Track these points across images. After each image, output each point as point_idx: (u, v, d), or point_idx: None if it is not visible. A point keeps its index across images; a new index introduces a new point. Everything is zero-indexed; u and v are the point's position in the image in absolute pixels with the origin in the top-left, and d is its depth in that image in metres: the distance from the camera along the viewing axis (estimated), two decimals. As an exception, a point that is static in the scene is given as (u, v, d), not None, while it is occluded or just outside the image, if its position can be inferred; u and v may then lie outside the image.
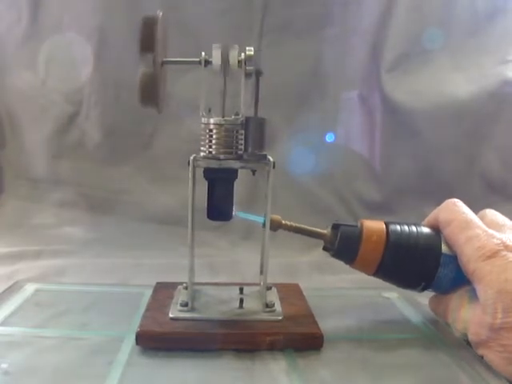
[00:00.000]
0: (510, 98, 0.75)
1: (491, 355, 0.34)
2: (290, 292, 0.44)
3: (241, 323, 0.37)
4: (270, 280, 0.40)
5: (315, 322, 0.38)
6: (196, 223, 0.38)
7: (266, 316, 0.38)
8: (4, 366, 0.32)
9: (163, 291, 0.43)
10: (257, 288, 0.43)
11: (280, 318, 0.38)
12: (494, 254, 0.35)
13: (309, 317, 0.39)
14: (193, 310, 0.39)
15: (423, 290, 0.40)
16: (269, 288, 0.42)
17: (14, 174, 0.80)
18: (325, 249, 0.40)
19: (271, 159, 0.37)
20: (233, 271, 0.58)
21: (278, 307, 0.40)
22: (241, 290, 0.43)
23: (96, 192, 0.76)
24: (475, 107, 0.74)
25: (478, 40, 0.75)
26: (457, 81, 0.75)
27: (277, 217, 0.39)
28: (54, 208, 0.76)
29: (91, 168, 0.77)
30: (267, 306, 0.39)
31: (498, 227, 0.38)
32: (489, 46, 0.76)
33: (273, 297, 0.41)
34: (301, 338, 0.36)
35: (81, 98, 0.77)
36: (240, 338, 0.36)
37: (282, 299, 0.41)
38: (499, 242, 0.35)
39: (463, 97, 0.74)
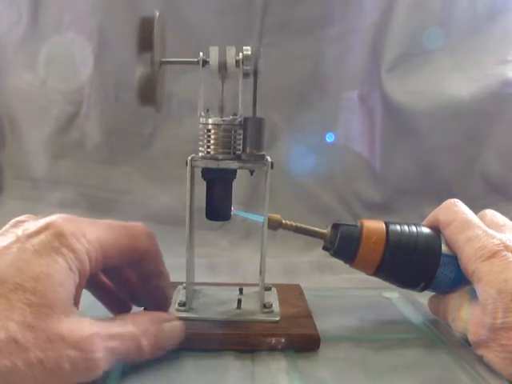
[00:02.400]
0: (510, 98, 0.75)
1: (490, 355, 0.33)
2: (290, 293, 0.43)
3: (238, 324, 0.37)
4: (270, 280, 0.40)
5: (313, 323, 0.38)
6: (196, 223, 0.38)
7: (263, 317, 0.38)
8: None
9: None
10: (256, 288, 0.43)
11: (277, 319, 0.38)
12: (493, 255, 0.34)
13: (307, 318, 0.39)
14: (190, 310, 0.39)
15: (423, 290, 0.40)
16: (268, 289, 0.42)
17: (13, 173, 0.80)
18: (325, 248, 0.40)
19: (269, 159, 0.36)
20: (233, 271, 0.58)
21: (275, 308, 0.39)
22: (240, 291, 0.43)
23: (96, 192, 0.76)
24: (475, 107, 0.74)
25: (478, 40, 0.75)
26: (457, 81, 0.75)
27: (277, 216, 0.39)
28: (54, 208, 0.76)
29: (91, 168, 0.77)
30: (265, 306, 0.39)
31: (498, 227, 0.38)
32: (489, 46, 0.76)
33: (272, 297, 0.41)
34: (297, 340, 0.36)
35: (81, 98, 0.76)
36: (236, 339, 0.36)
37: (281, 300, 0.41)
38: (499, 242, 0.35)
39: (463, 97, 0.74)
